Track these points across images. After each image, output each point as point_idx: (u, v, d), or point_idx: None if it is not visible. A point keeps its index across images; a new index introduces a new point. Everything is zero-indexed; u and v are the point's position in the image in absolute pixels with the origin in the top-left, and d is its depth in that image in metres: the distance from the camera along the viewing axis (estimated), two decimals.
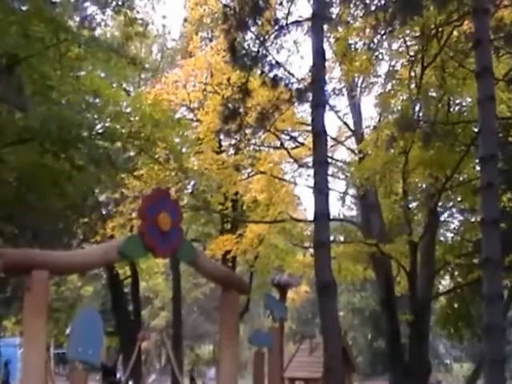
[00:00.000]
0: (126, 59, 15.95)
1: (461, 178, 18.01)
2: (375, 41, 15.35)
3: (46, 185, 15.45)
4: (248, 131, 16.63)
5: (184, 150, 19.19)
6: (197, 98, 21.28)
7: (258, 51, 13.74)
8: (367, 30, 14.71)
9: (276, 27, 13.48)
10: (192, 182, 21.47)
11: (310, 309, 51.03)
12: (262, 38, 13.66)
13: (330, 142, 17.22)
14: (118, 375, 21.83)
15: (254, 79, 14.81)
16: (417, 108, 16.40)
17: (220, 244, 20.51)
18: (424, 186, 19.09)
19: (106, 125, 16.27)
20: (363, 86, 19.63)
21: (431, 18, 13.92)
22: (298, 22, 13.68)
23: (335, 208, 64.52)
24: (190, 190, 21.99)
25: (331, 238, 13.76)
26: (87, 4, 16.41)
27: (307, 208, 29.63)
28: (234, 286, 9.52)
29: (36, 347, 6.77)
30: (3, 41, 12.38)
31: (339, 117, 21.08)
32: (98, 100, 16.07)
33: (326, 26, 13.88)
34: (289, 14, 13.63)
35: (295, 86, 13.87)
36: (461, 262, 19.89)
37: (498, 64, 14.43)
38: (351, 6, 14.16)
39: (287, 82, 13.89)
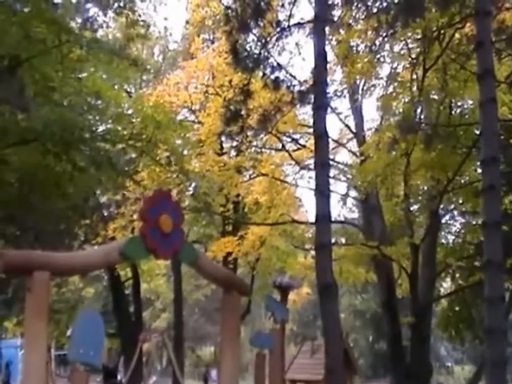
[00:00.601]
0: (128, 61, 15.96)
1: (462, 181, 18.00)
2: (377, 43, 15.34)
3: (47, 186, 15.46)
4: (249, 133, 16.62)
5: (185, 151, 19.20)
6: (198, 99, 21.32)
7: (260, 53, 13.72)
8: (369, 33, 14.69)
9: (278, 29, 13.46)
10: (193, 184, 21.47)
11: (311, 311, 50.97)
12: (263, 40, 13.64)
13: (331, 144, 17.21)
14: (119, 377, 21.86)
15: (256, 81, 14.80)
16: (418, 110, 16.41)
17: (221, 246, 20.50)
18: (425, 188, 19.10)
19: (108, 126, 16.29)
20: (365, 88, 19.65)
21: (433, 20, 13.91)
22: (299, 24, 13.65)
23: (336, 210, 64.51)
24: (191, 192, 21.98)
25: (332, 240, 13.76)
26: (89, 5, 16.44)
27: (308, 210, 29.69)
28: (235, 287, 9.53)
29: (37, 348, 6.78)
30: (5, 42, 12.40)
31: (341, 119, 21.12)
32: (99, 101, 16.07)
33: (327, 28, 13.89)
34: (291, 16, 13.61)
35: (297, 88, 13.84)
36: (462, 264, 19.91)
37: (500, 66, 14.44)
38: (353, 8, 14.14)
39: (289, 84, 13.87)
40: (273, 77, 13.71)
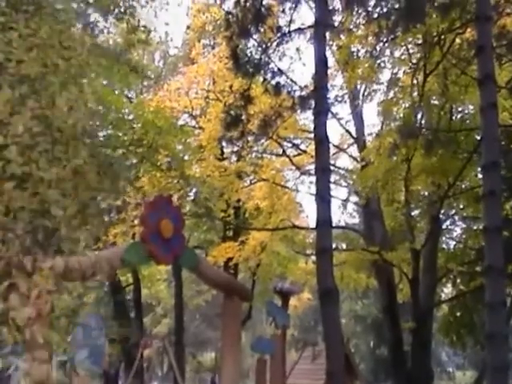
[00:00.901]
0: (129, 66, 15.95)
1: (463, 186, 18.01)
2: (378, 48, 15.38)
3: None
4: (250, 138, 16.61)
5: (186, 157, 19.17)
6: (199, 105, 21.34)
7: (261, 58, 13.74)
8: (370, 38, 14.73)
9: (278, 34, 13.49)
10: (194, 189, 21.43)
11: (312, 316, 50.79)
12: (264, 46, 13.67)
13: (332, 150, 17.13)
14: (119, 382, 21.84)
15: (257, 86, 14.82)
16: (419, 115, 16.44)
17: (222, 251, 20.46)
18: (426, 193, 19.10)
19: (109, 132, 16.27)
20: (365, 93, 19.69)
21: (434, 25, 13.94)
22: (300, 30, 13.67)
23: (337, 215, 64.45)
24: (192, 197, 21.95)
25: (333, 246, 13.74)
26: (90, 11, 16.44)
27: (309, 215, 29.65)
28: (236, 292, 9.52)
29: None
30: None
31: (341, 124, 21.13)
32: (100, 107, 16.06)
33: (328, 34, 13.92)
34: (291, 21, 13.63)
35: (297, 93, 13.86)
36: (463, 269, 19.86)
37: (501, 71, 14.45)
38: (354, 13, 14.17)
39: (289, 89, 13.88)
40: (273, 82, 13.74)
